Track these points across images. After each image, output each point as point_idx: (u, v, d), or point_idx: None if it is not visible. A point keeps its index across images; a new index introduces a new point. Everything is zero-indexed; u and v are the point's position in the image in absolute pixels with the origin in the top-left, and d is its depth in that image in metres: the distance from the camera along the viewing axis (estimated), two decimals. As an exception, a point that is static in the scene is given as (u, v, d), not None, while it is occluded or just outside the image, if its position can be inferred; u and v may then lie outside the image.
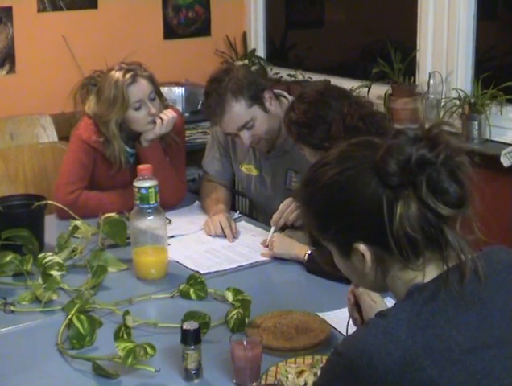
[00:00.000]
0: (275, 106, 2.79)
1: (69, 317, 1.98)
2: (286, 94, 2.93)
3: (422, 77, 3.63)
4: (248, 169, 2.96)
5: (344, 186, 1.34)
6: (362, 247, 1.34)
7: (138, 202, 2.29)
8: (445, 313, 1.28)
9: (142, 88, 2.77)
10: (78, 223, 2.49)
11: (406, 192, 1.28)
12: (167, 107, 2.91)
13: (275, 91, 2.89)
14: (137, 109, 2.78)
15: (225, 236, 2.65)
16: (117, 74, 2.75)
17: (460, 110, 3.41)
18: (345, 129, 2.27)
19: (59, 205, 2.64)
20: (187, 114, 4.23)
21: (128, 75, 2.74)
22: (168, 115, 2.84)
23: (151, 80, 2.81)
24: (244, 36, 4.65)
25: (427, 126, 1.34)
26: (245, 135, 2.72)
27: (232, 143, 2.97)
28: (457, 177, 1.29)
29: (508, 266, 1.38)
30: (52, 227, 2.68)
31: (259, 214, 3.04)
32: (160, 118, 2.82)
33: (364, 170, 1.32)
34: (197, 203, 3.03)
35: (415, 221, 1.28)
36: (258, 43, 4.63)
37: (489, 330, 1.30)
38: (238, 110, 2.68)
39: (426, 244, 1.31)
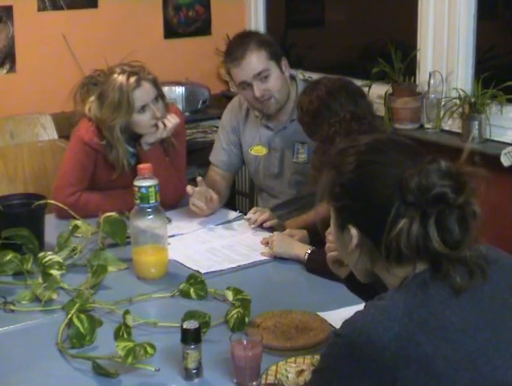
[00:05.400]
0: (288, 78, 2.90)
1: (69, 316, 1.98)
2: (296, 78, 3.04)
3: (422, 77, 3.63)
4: (257, 150, 3.01)
5: (366, 176, 1.41)
6: (354, 231, 1.43)
7: (138, 201, 2.29)
8: (439, 296, 1.34)
9: (146, 92, 2.76)
10: (78, 222, 2.49)
11: (415, 214, 1.34)
12: (167, 106, 2.91)
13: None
14: (141, 113, 2.77)
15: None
16: (121, 78, 2.74)
17: (460, 110, 3.41)
18: (331, 143, 2.30)
19: (59, 205, 2.63)
20: (187, 113, 4.24)
21: (132, 80, 2.73)
22: (172, 121, 2.83)
23: (155, 82, 2.80)
24: (244, 36, 4.65)
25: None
26: (259, 86, 2.80)
27: (243, 127, 3.02)
28: (466, 224, 1.36)
29: (495, 262, 1.43)
30: (52, 226, 2.68)
31: (264, 199, 3.08)
32: (163, 123, 2.81)
33: (390, 173, 1.38)
34: (197, 202, 3.03)
35: (412, 241, 1.34)
36: (258, 43, 4.62)
37: (481, 314, 1.36)
38: (258, 57, 2.79)
39: (416, 258, 1.37)
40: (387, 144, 1.45)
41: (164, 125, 2.81)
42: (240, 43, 2.83)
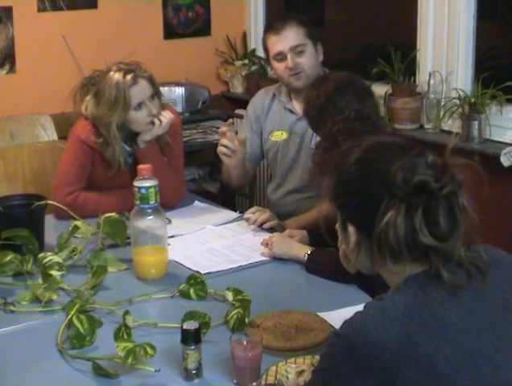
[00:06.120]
0: (320, 63, 3.02)
1: (69, 317, 1.98)
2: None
3: (422, 77, 3.63)
4: (276, 136, 3.08)
5: (362, 173, 1.43)
6: (351, 229, 1.46)
7: (138, 202, 2.29)
8: (439, 296, 1.34)
9: (142, 90, 2.78)
10: (78, 223, 2.49)
11: (400, 206, 1.35)
12: (164, 106, 2.91)
13: None
14: (138, 110, 2.78)
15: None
16: (117, 75, 2.75)
17: (460, 110, 3.41)
18: (333, 140, 2.30)
19: (58, 205, 2.63)
20: (187, 114, 4.24)
21: (129, 77, 2.74)
22: (167, 117, 2.84)
23: (151, 80, 2.81)
24: (244, 36, 4.66)
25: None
26: (293, 58, 2.93)
27: (266, 114, 3.11)
28: (454, 216, 1.36)
29: (495, 262, 1.43)
30: (52, 227, 2.68)
31: (276, 185, 3.12)
32: (159, 120, 2.82)
33: (382, 170, 1.39)
34: (197, 202, 3.03)
35: (400, 234, 1.35)
36: (258, 43, 4.62)
37: (481, 315, 1.36)
38: (297, 32, 2.95)
39: (407, 255, 1.38)
40: (385, 144, 1.47)
41: (160, 122, 2.82)
42: (282, 17, 3.02)
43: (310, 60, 2.95)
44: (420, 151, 1.41)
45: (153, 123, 2.82)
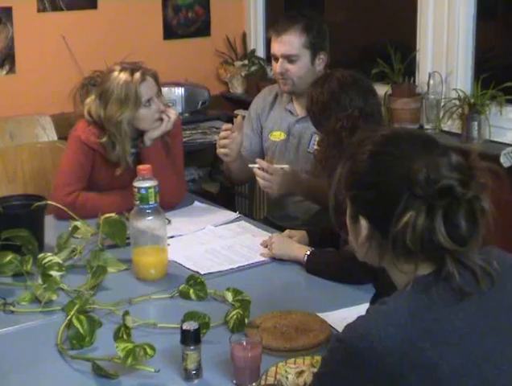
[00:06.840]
0: (320, 70, 2.98)
1: (69, 317, 1.98)
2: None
3: (422, 77, 3.64)
4: (275, 136, 3.10)
5: (378, 166, 1.39)
6: (364, 223, 1.41)
7: (137, 202, 2.29)
8: (443, 300, 1.32)
9: (150, 86, 2.81)
10: (78, 223, 2.49)
11: (421, 206, 1.32)
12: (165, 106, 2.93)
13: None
14: (147, 107, 2.80)
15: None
16: (123, 74, 2.76)
17: (459, 110, 3.42)
18: (336, 136, 2.30)
19: (58, 205, 2.63)
20: (186, 114, 4.24)
21: (138, 74, 2.76)
22: (174, 113, 2.89)
23: (155, 77, 2.85)
24: (244, 36, 4.66)
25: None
26: (282, 64, 2.96)
27: (268, 113, 3.14)
28: (475, 220, 1.34)
29: (501, 265, 1.41)
30: (52, 227, 2.68)
31: None
32: (167, 115, 2.84)
33: (401, 165, 1.36)
34: (196, 203, 3.03)
35: (418, 234, 1.32)
36: (257, 44, 4.64)
37: (486, 319, 1.34)
38: (295, 41, 2.94)
39: (421, 255, 1.35)
40: (404, 137, 1.43)
41: (169, 118, 2.85)
42: (290, 18, 2.99)
43: (300, 71, 2.95)
44: (444, 150, 1.37)
45: (161, 120, 2.84)
